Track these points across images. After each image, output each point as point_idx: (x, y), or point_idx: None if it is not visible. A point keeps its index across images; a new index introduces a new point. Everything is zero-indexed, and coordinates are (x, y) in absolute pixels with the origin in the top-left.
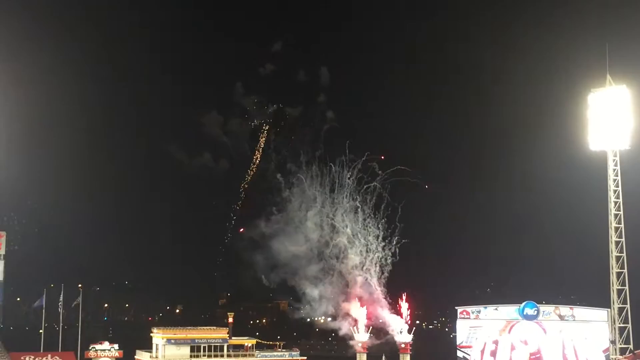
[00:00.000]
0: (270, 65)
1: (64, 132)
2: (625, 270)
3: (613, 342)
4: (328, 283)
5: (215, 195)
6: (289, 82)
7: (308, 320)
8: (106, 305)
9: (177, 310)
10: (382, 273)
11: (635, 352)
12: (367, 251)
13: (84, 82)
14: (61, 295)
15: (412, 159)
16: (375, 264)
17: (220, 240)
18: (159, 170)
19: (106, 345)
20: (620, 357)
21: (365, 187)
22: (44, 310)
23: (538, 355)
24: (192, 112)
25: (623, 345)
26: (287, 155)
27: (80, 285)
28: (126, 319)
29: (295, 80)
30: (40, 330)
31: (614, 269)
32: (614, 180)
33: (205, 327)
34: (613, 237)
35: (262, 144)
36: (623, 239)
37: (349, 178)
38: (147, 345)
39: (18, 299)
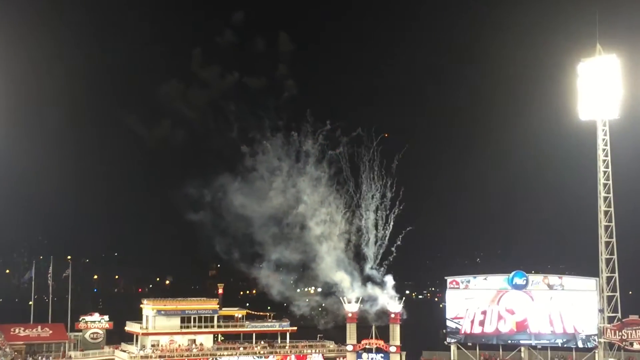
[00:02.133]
0: (230, 34)
1: (47, 100)
2: (614, 240)
3: (601, 310)
4: (294, 250)
5: (178, 167)
6: (250, 51)
7: (298, 290)
8: (96, 277)
9: (167, 282)
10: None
11: (623, 320)
12: (330, 220)
13: (30, 49)
14: (50, 268)
15: (398, 129)
16: (351, 233)
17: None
18: (126, 144)
19: (96, 316)
20: (609, 325)
21: (341, 155)
22: (33, 283)
23: (525, 324)
24: (149, 82)
25: (611, 314)
26: (251, 125)
27: (69, 258)
28: (116, 290)
29: (257, 49)
30: (30, 302)
31: (603, 238)
32: (604, 150)
33: (195, 299)
34: (602, 207)
35: (225, 113)
36: (612, 209)
37: (314, 146)
38: (137, 317)
39: (7, 271)
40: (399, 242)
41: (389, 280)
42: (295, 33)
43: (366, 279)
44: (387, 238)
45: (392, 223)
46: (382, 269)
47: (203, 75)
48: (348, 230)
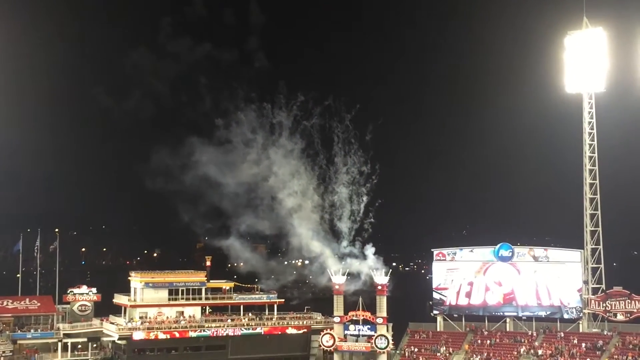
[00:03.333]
0: (200, 3)
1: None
2: (599, 212)
3: (586, 282)
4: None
5: (149, 140)
6: (220, 22)
7: (285, 263)
8: (83, 249)
9: (155, 254)
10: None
11: (608, 291)
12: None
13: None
14: (38, 240)
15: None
16: (325, 208)
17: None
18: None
19: (84, 289)
20: (593, 296)
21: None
22: (21, 255)
23: (512, 296)
24: (117, 53)
25: (595, 285)
26: (223, 97)
27: (57, 230)
28: (104, 263)
29: (227, 20)
30: (18, 275)
31: (588, 210)
32: (589, 123)
33: (183, 271)
34: (587, 179)
35: (196, 86)
36: (597, 181)
37: (287, 118)
38: (126, 289)
39: None
40: (371, 217)
41: (369, 251)
42: (266, 3)
43: (345, 253)
44: (361, 212)
45: (365, 197)
46: (360, 241)
47: (172, 47)
48: (322, 204)
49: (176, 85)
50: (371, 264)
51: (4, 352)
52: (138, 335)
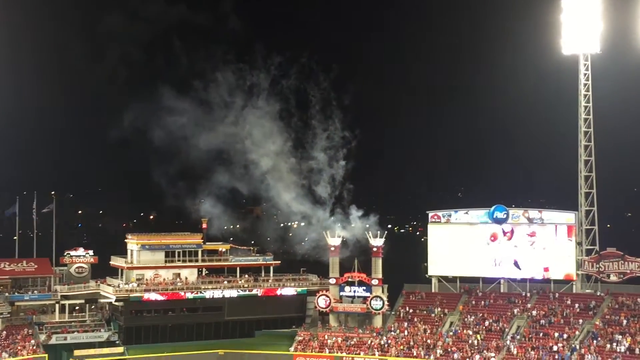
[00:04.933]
0: None
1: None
2: (593, 174)
3: (580, 243)
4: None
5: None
6: None
7: (282, 225)
8: (80, 212)
9: (151, 217)
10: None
11: (601, 253)
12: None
13: None
14: (34, 203)
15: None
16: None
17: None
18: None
19: (81, 251)
20: (587, 257)
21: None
22: (17, 218)
23: (506, 258)
24: (90, 16)
25: (589, 247)
26: (200, 58)
27: (53, 193)
28: (100, 225)
29: None
30: (15, 237)
31: (583, 172)
32: (585, 84)
33: (179, 233)
34: (582, 141)
35: (172, 48)
36: (592, 144)
37: (265, 79)
38: (122, 251)
39: None
40: (354, 180)
41: (355, 214)
42: None
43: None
44: (340, 176)
45: (344, 162)
46: (346, 205)
47: (145, 10)
48: (300, 168)
49: (152, 48)
50: (363, 225)
51: (1, 313)
52: (135, 297)
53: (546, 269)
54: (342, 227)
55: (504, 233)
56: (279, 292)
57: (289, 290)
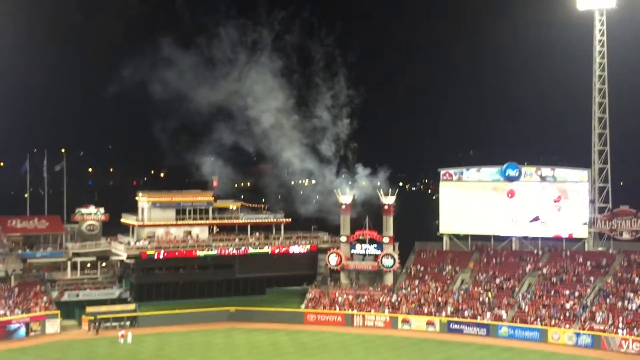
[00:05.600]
0: None
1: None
2: (607, 131)
3: (592, 201)
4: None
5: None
6: None
7: (292, 183)
8: (90, 169)
9: (162, 174)
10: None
11: (614, 210)
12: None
13: None
14: (45, 160)
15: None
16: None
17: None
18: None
19: (92, 209)
20: (599, 215)
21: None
22: (28, 175)
23: (518, 215)
24: None
25: (602, 204)
26: (201, 13)
27: (63, 150)
28: (111, 183)
29: None
30: (26, 195)
31: (596, 130)
32: (600, 41)
33: (190, 191)
34: (596, 98)
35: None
36: (606, 100)
37: (268, 35)
38: (133, 209)
39: (2, 164)
40: (360, 139)
41: (360, 170)
42: None
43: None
44: (345, 133)
45: (348, 119)
46: (352, 163)
47: None
48: (304, 126)
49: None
50: (374, 184)
51: (14, 270)
52: (146, 255)
53: (558, 227)
54: (351, 187)
55: (516, 191)
56: (290, 249)
57: (299, 248)
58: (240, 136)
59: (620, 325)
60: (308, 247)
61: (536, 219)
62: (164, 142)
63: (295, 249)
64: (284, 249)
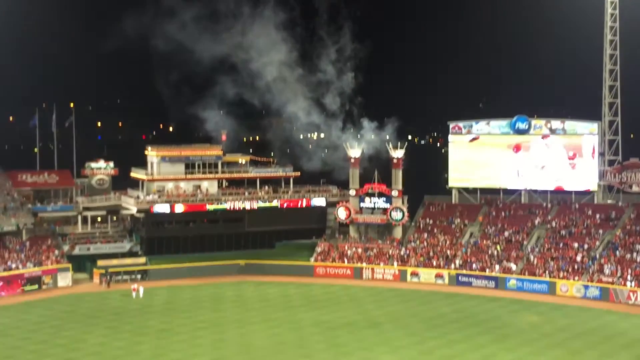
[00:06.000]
0: None
1: None
2: (618, 84)
3: (602, 154)
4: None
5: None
6: None
7: (301, 137)
8: (99, 124)
9: (171, 129)
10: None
11: (624, 163)
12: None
13: None
14: (54, 115)
15: None
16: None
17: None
18: None
19: (101, 163)
20: (609, 168)
21: None
22: (37, 130)
23: (528, 168)
24: None
25: (612, 157)
26: None
27: (72, 105)
28: (120, 137)
29: None
30: (36, 149)
31: (607, 82)
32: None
33: (199, 145)
34: (607, 50)
35: None
36: (617, 52)
37: None
38: (142, 163)
39: (11, 118)
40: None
41: (366, 124)
42: None
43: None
44: (350, 86)
45: (352, 73)
46: (355, 116)
47: None
48: (309, 80)
49: None
50: (383, 137)
51: (25, 224)
52: (156, 209)
53: (567, 180)
54: (359, 141)
55: (526, 144)
56: (299, 203)
57: (309, 202)
58: (245, 89)
59: (629, 277)
60: (320, 200)
61: (545, 172)
62: (169, 96)
63: (304, 203)
64: (293, 203)
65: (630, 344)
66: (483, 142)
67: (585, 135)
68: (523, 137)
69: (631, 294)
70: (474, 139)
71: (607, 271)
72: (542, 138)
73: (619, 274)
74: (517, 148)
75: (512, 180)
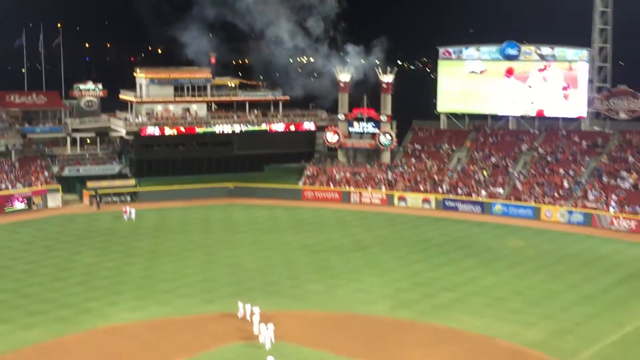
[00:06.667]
0: None
1: None
2: (609, 10)
3: (591, 80)
4: None
5: None
6: None
7: (291, 61)
8: (87, 45)
9: (159, 51)
10: None
11: (612, 90)
12: None
13: None
14: (41, 35)
15: None
16: None
17: None
18: None
19: (90, 84)
20: (597, 95)
21: None
22: (24, 50)
23: (515, 94)
24: None
25: (601, 84)
26: None
27: (59, 25)
28: (108, 59)
29: None
30: (23, 70)
31: (598, 7)
32: None
33: (187, 68)
34: None
35: None
36: None
37: None
38: (131, 86)
39: None
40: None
41: (350, 49)
42: None
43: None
44: (335, 12)
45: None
46: (339, 42)
47: None
48: (292, 3)
49: None
50: (372, 62)
51: (14, 145)
52: (145, 131)
53: (555, 106)
54: (348, 65)
55: (515, 70)
56: (288, 127)
57: (298, 126)
58: (226, 9)
59: (612, 203)
60: (309, 124)
61: (534, 97)
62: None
63: (293, 127)
64: (282, 127)
65: (611, 269)
66: (472, 68)
67: (575, 61)
68: (513, 63)
69: (614, 220)
70: (463, 64)
71: (591, 197)
72: (532, 64)
73: (602, 200)
74: (507, 74)
75: (501, 106)
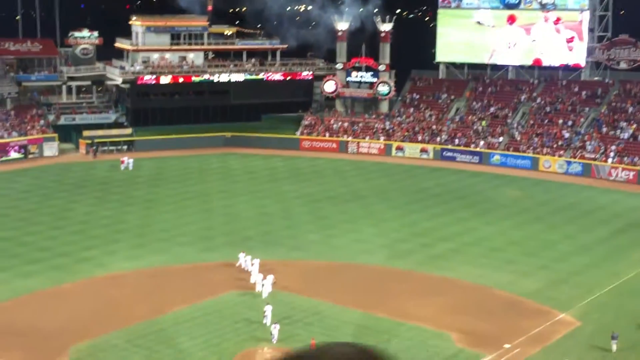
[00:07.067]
0: None
1: None
2: None
3: (592, 29)
4: None
5: None
6: None
7: (288, 9)
8: None
9: None
10: None
11: (613, 39)
12: None
13: None
14: None
15: None
16: None
17: None
18: None
19: (85, 32)
20: (597, 44)
21: None
22: None
23: (516, 44)
24: None
25: (601, 33)
26: None
27: None
28: (103, 6)
29: None
30: (17, 17)
31: None
32: None
33: (184, 15)
34: None
35: None
36: None
37: None
38: (127, 34)
39: None
40: None
41: None
42: None
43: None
44: None
45: None
46: None
47: None
48: None
49: None
50: (371, 10)
51: (9, 93)
52: (142, 79)
53: (555, 55)
54: (347, 14)
55: (516, 18)
56: (285, 76)
57: (295, 75)
58: None
59: (611, 154)
60: (307, 73)
61: (534, 46)
62: None
63: (290, 76)
64: (280, 76)
65: (608, 219)
66: (472, 17)
67: (576, 11)
68: (513, 12)
69: (612, 170)
70: (463, 13)
71: (590, 148)
72: (533, 13)
73: (601, 151)
74: (507, 22)
75: (500, 56)
